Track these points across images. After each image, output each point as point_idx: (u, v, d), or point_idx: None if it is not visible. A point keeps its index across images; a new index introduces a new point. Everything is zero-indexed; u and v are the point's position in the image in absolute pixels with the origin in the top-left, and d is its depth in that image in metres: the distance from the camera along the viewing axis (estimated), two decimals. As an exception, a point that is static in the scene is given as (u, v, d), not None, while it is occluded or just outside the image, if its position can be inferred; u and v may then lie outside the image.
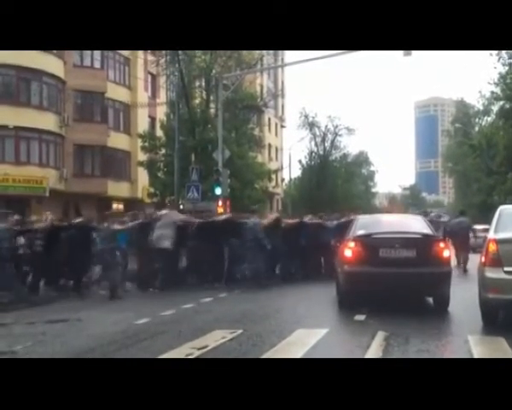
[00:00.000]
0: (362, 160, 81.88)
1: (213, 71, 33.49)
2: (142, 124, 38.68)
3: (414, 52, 22.00)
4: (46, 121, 32.12)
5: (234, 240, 15.12)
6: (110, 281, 13.29)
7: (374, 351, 6.70)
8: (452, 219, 20.83)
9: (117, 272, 13.56)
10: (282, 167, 62.57)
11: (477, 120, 62.49)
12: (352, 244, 10.06)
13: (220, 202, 24.68)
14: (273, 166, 53.73)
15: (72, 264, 13.99)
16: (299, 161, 64.45)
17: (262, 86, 55.20)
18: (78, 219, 14.90)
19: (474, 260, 11.49)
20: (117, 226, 14.01)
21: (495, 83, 43.02)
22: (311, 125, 61.69)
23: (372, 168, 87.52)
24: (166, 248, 14.18)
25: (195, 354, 6.69)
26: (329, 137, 62.81)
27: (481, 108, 58.35)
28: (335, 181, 61.46)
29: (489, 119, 57.24)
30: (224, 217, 16.43)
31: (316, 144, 62.62)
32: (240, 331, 8.09)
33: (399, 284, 9.64)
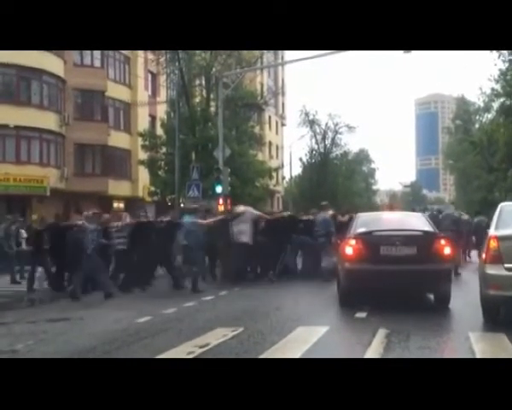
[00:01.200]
0: (362, 157, 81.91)
1: (213, 69, 33.47)
2: (143, 122, 38.69)
3: (414, 49, 22.02)
4: (46, 120, 32.14)
5: (294, 236, 15.76)
6: (193, 275, 13.79)
7: (375, 348, 6.71)
8: (472, 219, 21.34)
9: (201, 266, 14.28)
10: (282, 165, 62.46)
11: (477, 116, 62.25)
12: (352, 242, 10.07)
13: (221, 201, 24.69)
14: (274, 164, 53.62)
15: (158, 261, 14.76)
16: (300, 159, 64.36)
17: (262, 84, 55.15)
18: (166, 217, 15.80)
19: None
20: (201, 221, 14.60)
21: (495, 79, 42.93)
22: (312, 123, 61.60)
23: (373, 166, 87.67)
24: (246, 243, 14.92)
25: (197, 352, 6.71)
26: (330, 134, 62.72)
27: (482, 104, 58.16)
28: (336, 179, 61.39)
29: (489, 116, 57.05)
30: (286, 214, 17.31)
31: (316, 142, 62.54)
32: (241, 329, 8.10)
33: (400, 282, 9.65)
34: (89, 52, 34.87)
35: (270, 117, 61.08)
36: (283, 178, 64.56)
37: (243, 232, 14.97)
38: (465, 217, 21.49)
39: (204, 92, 36.27)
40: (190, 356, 6.47)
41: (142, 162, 35.46)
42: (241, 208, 16.67)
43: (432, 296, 10.54)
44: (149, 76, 41.17)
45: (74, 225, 14.24)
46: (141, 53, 37.65)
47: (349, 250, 10.04)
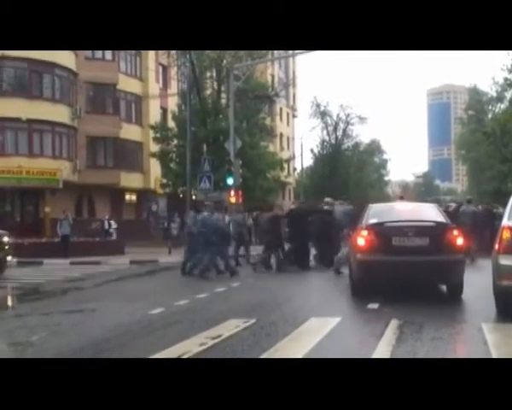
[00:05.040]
0: (374, 148, 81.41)
1: (224, 61, 33.46)
2: (154, 115, 38.78)
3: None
4: (59, 113, 32.30)
5: None
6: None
7: (387, 339, 6.70)
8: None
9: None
10: (293, 157, 62.48)
11: (490, 106, 61.80)
12: (364, 233, 10.05)
13: (232, 192, 24.71)
14: (285, 155, 53.63)
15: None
16: (311, 151, 64.40)
17: (273, 76, 55.07)
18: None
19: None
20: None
21: (508, 69, 42.66)
22: (323, 114, 61.51)
23: (384, 156, 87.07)
24: None
25: (209, 343, 6.74)
26: (341, 125, 62.62)
27: (494, 94, 57.80)
28: (347, 170, 61.28)
29: (502, 106, 56.68)
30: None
31: (327, 133, 62.46)
32: (253, 321, 8.11)
33: (412, 273, 9.63)
34: (100, 45, 34.97)
35: (281, 109, 61.01)
36: (294, 169, 64.53)
37: None
38: None
39: (215, 84, 36.31)
40: (203, 347, 6.50)
41: (153, 155, 35.60)
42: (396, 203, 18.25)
43: (444, 287, 10.51)
44: (160, 69, 41.21)
45: (324, 210, 16.48)
46: (152, 46, 37.69)
47: (361, 241, 10.02)
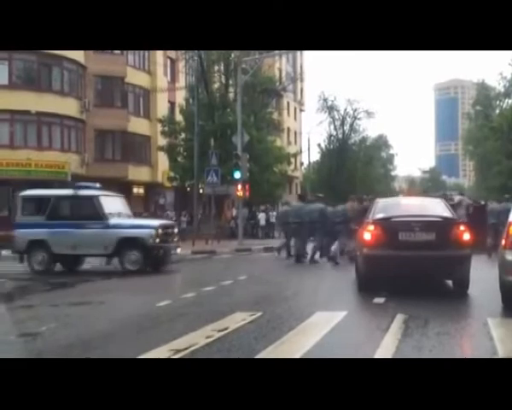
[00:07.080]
0: (381, 143, 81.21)
1: (232, 55, 33.47)
2: (162, 109, 38.83)
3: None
4: (67, 107, 32.40)
5: None
6: None
7: (393, 334, 6.72)
8: None
9: None
10: (300, 151, 62.40)
11: (498, 102, 61.47)
12: (371, 227, 10.07)
13: (239, 186, 24.79)
14: (292, 149, 53.53)
15: None
16: (318, 145, 64.35)
17: (281, 70, 54.98)
18: None
19: None
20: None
21: (516, 64, 42.40)
22: (330, 109, 61.40)
23: (391, 151, 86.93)
24: None
25: (216, 335, 6.79)
26: (348, 120, 62.49)
27: (502, 90, 57.53)
28: (354, 165, 61.23)
29: (510, 101, 56.40)
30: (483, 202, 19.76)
31: (335, 128, 62.34)
32: (259, 314, 8.15)
33: (418, 267, 9.65)
34: (108, 38, 35.02)
35: (288, 103, 60.92)
36: (302, 163, 64.46)
37: (461, 217, 16.39)
38: None
39: (223, 78, 36.34)
40: (209, 340, 6.55)
41: (161, 148, 35.69)
42: (458, 198, 19.34)
43: (450, 282, 10.54)
44: (168, 62, 41.26)
45: None
46: (160, 39, 37.70)
47: (367, 236, 10.05)
